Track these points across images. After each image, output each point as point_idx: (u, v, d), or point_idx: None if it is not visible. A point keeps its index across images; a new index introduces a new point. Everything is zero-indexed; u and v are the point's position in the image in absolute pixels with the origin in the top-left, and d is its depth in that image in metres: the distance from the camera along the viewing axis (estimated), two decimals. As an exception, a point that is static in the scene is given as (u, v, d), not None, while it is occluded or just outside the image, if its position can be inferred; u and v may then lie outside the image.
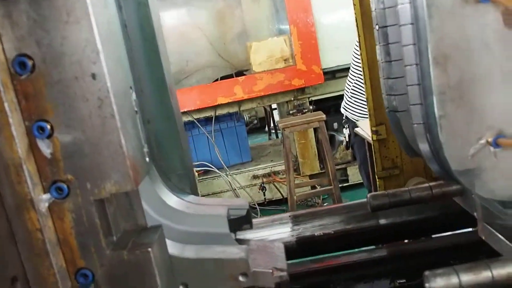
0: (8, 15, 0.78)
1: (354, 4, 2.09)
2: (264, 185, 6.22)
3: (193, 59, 5.62)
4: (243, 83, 5.55)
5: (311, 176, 6.21)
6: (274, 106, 8.28)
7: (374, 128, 2.24)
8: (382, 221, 1.77)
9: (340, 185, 5.82)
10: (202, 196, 6.06)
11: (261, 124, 11.06)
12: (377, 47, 1.19)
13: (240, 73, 5.76)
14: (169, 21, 5.66)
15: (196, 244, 1.08)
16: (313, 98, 5.93)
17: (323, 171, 5.97)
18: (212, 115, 5.96)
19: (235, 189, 6.04)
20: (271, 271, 1.12)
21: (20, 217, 0.81)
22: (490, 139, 0.93)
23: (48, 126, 0.81)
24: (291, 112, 5.83)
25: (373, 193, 1.46)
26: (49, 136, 0.82)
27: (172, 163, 1.35)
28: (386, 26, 1.12)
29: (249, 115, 11.43)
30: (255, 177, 6.33)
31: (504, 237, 1.05)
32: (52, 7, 0.78)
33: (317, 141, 5.93)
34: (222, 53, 5.64)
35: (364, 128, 3.66)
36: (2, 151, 0.79)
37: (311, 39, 5.36)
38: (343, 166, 6.32)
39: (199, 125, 6.06)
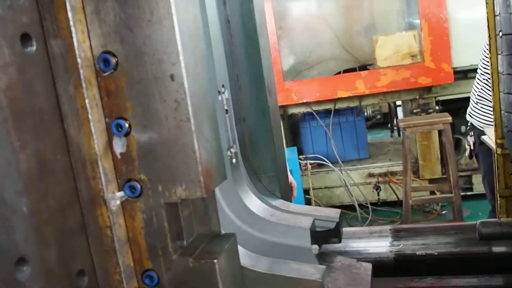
0: (97, 11, 0.78)
1: (486, 3, 1.86)
2: (379, 184, 5.98)
3: (316, 50, 5.53)
4: (366, 77, 5.34)
5: (431, 181, 5.84)
6: (398, 102, 7.89)
7: (499, 141, 2.00)
8: (496, 249, 1.56)
9: (462, 194, 5.40)
10: (314, 189, 6.01)
11: (384, 120, 10.65)
12: (499, 56, 1.02)
13: (363, 67, 5.55)
14: (295, 12, 5.62)
15: (273, 255, 1.03)
16: (441, 98, 5.53)
17: (445, 176, 5.58)
18: (332, 108, 5.84)
19: (347, 186, 5.88)
20: (351, 295, 1.04)
21: (92, 212, 0.82)
22: None
23: (127, 125, 0.81)
24: (414, 111, 5.51)
25: (484, 220, 1.29)
26: (127, 134, 0.81)
27: (263, 163, 1.31)
28: (510, 34, 0.95)
29: (372, 109, 11.07)
30: (370, 175, 6.12)
31: None
32: (137, 6, 0.76)
33: (441, 144, 5.54)
34: (346, 45, 5.48)
35: (492, 137, 3.31)
36: (81, 146, 0.80)
37: (443, 35, 4.97)
38: (468, 173, 5.85)
39: (318, 117, 5.98)
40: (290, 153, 5.36)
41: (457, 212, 5.01)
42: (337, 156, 5.91)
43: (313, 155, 5.99)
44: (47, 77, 0.78)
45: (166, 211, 0.83)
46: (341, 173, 5.94)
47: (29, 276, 0.71)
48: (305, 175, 5.78)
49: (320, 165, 6.10)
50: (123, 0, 0.77)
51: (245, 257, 0.97)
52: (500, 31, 1.00)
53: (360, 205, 5.89)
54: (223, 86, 1.07)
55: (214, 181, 0.84)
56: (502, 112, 1.05)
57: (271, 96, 1.28)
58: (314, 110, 5.84)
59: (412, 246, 1.67)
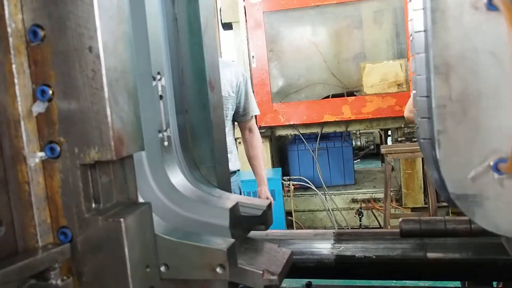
0: (29, -12, 0.88)
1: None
2: (362, 210, 6.03)
3: (305, 74, 5.67)
4: (352, 103, 5.46)
5: (413, 209, 5.89)
6: (389, 132, 8.00)
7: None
8: (431, 255, 1.63)
9: (443, 225, 5.43)
10: (297, 212, 6.06)
11: (377, 151, 10.74)
12: (411, 58, 1.12)
13: (350, 94, 5.68)
14: (287, 35, 5.78)
15: (190, 230, 1.10)
16: (426, 129, 5.61)
17: (427, 205, 5.63)
18: (318, 131, 5.94)
19: (329, 210, 5.94)
20: (261, 272, 1.11)
21: (13, 169, 0.90)
22: (492, 163, 0.83)
23: (50, 91, 0.90)
24: (399, 139, 5.60)
25: (406, 218, 1.36)
26: (50, 100, 0.90)
27: (202, 154, 1.39)
28: (412, 35, 1.05)
29: (366, 139, 11.17)
30: (354, 201, 6.18)
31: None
32: (63, -16, 0.86)
33: (425, 173, 5.62)
34: (335, 71, 5.62)
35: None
36: (6, 107, 0.89)
37: (429, 65, 5.10)
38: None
39: (305, 141, 6.08)
40: (274, 174, 5.43)
41: (436, 241, 5.03)
42: (322, 181, 5.98)
43: (297, 177, 6.06)
44: (-20, 43, 0.88)
45: (82, 173, 0.92)
46: (325, 197, 6.00)
47: None
48: (287, 196, 5.84)
49: (305, 188, 6.17)
50: (52, -21, 0.87)
51: (160, 226, 1.05)
52: (411, 35, 1.09)
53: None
54: (158, 73, 1.16)
55: (126, 148, 0.93)
56: (416, 118, 1.12)
57: (214, 91, 1.37)
58: (301, 133, 5.94)
59: (353, 248, 1.74)
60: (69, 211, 0.93)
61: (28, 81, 0.90)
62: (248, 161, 3.47)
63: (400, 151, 4.84)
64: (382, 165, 9.23)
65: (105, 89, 0.87)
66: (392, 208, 5.41)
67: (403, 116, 5.48)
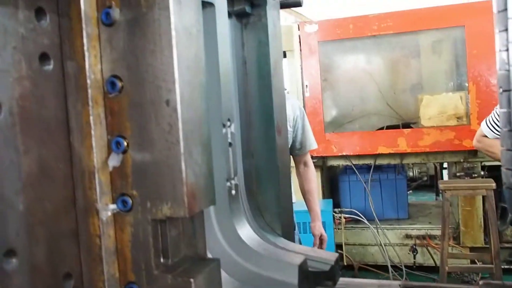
0: (109, 39, 0.88)
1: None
2: (416, 247, 5.79)
3: (359, 104, 5.57)
4: (408, 135, 5.31)
5: (472, 249, 5.61)
6: (445, 165, 7.72)
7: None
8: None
9: (506, 266, 5.16)
10: (347, 245, 5.89)
11: (430, 182, 10.39)
12: (500, 111, 1.04)
13: (406, 125, 5.52)
14: (341, 65, 5.72)
15: (255, 286, 1.05)
16: (487, 164, 5.37)
17: (487, 246, 5.34)
18: (372, 163, 5.80)
19: (381, 245, 5.74)
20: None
21: (85, 221, 0.88)
22: None
23: (125, 143, 0.88)
24: (458, 174, 5.37)
25: (487, 280, 1.26)
26: (124, 152, 0.88)
27: (267, 200, 1.35)
28: (510, 91, 0.97)
29: (419, 170, 10.84)
30: (407, 236, 5.95)
31: None
32: (143, 36, 0.85)
33: (485, 211, 5.35)
34: (390, 102, 5.49)
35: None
36: (82, 158, 0.88)
37: (491, 99, 4.91)
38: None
39: (357, 172, 5.94)
40: (325, 205, 5.32)
41: (496, 284, 4.76)
42: (374, 213, 5.80)
43: (349, 210, 5.91)
44: (59, 93, 0.88)
45: (152, 227, 0.89)
46: (377, 231, 5.81)
47: (16, 268, 0.78)
48: (338, 229, 5.70)
49: (356, 221, 6.00)
50: (132, 31, 0.86)
51: (228, 284, 1.01)
52: (500, 87, 1.02)
53: (394, 266, 5.71)
54: (228, 120, 1.13)
55: (198, 203, 0.90)
56: (502, 168, 1.06)
57: (281, 135, 1.34)
58: (353, 164, 5.81)
59: (419, 303, 1.63)
60: (138, 266, 0.91)
61: (104, 132, 0.89)
62: (302, 195, 3.41)
63: (460, 187, 4.62)
64: (436, 199, 8.91)
65: (181, 143, 0.85)
66: (449, 246, 5.17)
67: (463, 150, 5.30)
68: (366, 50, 5.57)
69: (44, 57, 0.86)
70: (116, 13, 0.86)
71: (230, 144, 1.16)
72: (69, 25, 0.87)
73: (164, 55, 0.84)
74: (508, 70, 0.97)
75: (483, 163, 5.45)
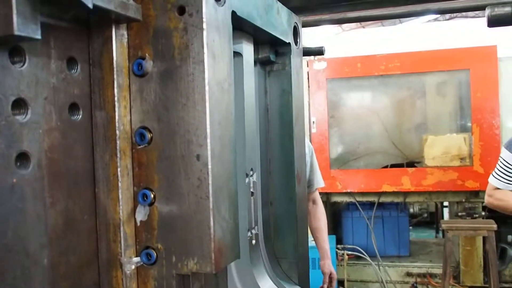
0: (140, 90, 0.87)
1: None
2: (417, 285, 5.70)
3: (365, 142, 5.58)
4: (412, 174, 5.29)
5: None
6: (446, 203, 7.68)
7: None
8: None
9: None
10: (349, 281, 5.81)
11: (430, 219, 10.32)
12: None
13: (411, 164, 5.52)
14: (348, 102, 5.76)
15: None
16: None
17: (487, 286, 5.27)
18: (375, 200, 5.77)
19: (383, 282, 5.65)
20: None
21: (108, 274, 0.86)
22: None
23: (152, 195, 0.87)
24: (459, 214, 5.34)
25: None
26: (151, 204, 0.87)
27: (285, 248, 1.33)
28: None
29: (419, 207, 10.78)
30: (408, 274, 5.87)
31: None
32: (175, 90, 0.85)
33: (485, 251, 5.29)
34: (395, 141, 5.50)
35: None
36: (107, 210, 0.86)
37: (494, 141, 4.93)
38: (511, 285, 5.50)
39: (360, 209, 5.90)
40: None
41: (499, 327, 4.69)
42: (376, 250, 5.74)
43: (351, 246, 5.84)
44: (87, 143, 0.87)
45: (177, 282, 0.87)
46: (379, 268, 5.73)
47: (37, 326, 0.75)
48: (341, 265, 5.62)
49: (358, 258, 5.93)
50: (164, 83, 0.85)
51: None
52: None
53: (395, 304, 5.61)
54: (251, 169, 1.12)
55: (225, 259, 0.88)
56: None
57: (300, 184, 1.32)
58: (357, 201, 5.77)
59: None
60: (161, 323, 0.88)
61: (130, 184, 0.88)
62: (311, 232, 3.36)
63: (462, 228, 4.60)
64: (436, 236, 8.83)
65: (210, 198, 0.83)
66: (450, 285, 5.10)
67: (465, 191, 5.28)
68: (373, 89, 5.61)
69: (73, 107, 0.85)
70: (149, 64, 0.86)
71: (252, 193, 1.14)
72: (100, 75, 0.87)
73: (197, 109, 0.83)
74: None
75: (484, 204, 5.42)
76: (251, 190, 1.14)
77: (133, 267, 0.87)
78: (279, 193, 1.32)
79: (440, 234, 8.45)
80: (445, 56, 5.23)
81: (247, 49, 1.10)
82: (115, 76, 0.86)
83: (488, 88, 5.02)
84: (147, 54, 0.86)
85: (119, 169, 0.86)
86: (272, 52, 1.25)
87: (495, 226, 4.44)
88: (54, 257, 0.79)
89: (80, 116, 0.86)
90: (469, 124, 5.15)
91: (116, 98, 0.86)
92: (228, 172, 0.89)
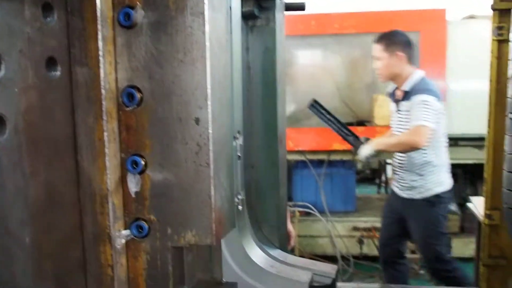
0: (128, 44, 0.77)
1: (490, 81, 1.91)
2: (363, 239, 5.93)
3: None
4: (362, 133, 5.37)
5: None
6: (388, 160, 7.93)
7: (488, 212, 2.01)
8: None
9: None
10: (299, 237, 5.94)
11: (372, 175, 10.67)
12: (506, 136, 1.03)
13: (361, 123, 5.59)
14: (302, 60, 5.70)
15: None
16: (430, 162, 5.56)
17: (428, 239, 5.55)
18: (325, 159, 5.85)
19: (332, 236, 5.82)
20: None
21: (95, 249, 0.78)
22: None
23: (143, 162, 0.78)
24: (406, 171, 5.51)
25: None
26: (141, 172, 0.78)
27: (267, 213, 1.28)
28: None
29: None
30: (355, 228, 6.06)
31: None
32: (170, 44, 0.75)
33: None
34: (347, 100, 5.53)
35: (478, 206, 3.32)
36: (92, 180, 0.77)
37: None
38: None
39: (311, 166, 5.97)
40: (279, 199, 5.31)
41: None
42: (325, 207, 5.87)
43: (302, 203, 5.94)
44: (66, 104, 0.76)
45: (172, 255, 0.80)
46: (327, 223, 5.89)
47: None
48: (292, 222, 5.72)
49: (308, 214, 6.05)
50: (157, 36, 0.75)
51: (243, 312, 0.93)
52: (510, 113, 1.01)
53: (342, 257, 5.82)
54: (238, 132, 1.05)
55: (224, 230, 0.81)
56: (504, 189, 1.06)
57: (282, 146, 1.27)
58: (308, 159, 5.83)
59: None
60: (154, 298, 0.81)
61: (117, 151, 0.79)
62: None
63: (411, 185, 4.76)
64: (378, 192, 9.15)
65: (211, 166, 0.76)
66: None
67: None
68: (327, 48, 5.56)
69: (51, 62, 0.74)
70: (139, 14, 0.75)
71: (239, 157, 1.08)
72: (80, 25, 0.76)
73: (196, 67, 0.75)
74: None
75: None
76: (238, 153, 1.07)
77: (123, 241, 0.79)
78: (261, 155, 1.26)
79: (383, 190, 8.75)
80: (397, 17, 5.24)
81: (236, 1, 1.01)
82: (99, 26, 0.75)
83: (436, 51, 5.11)
84: (138, 3, 0.75)
85: (105, 134, 0.76)
86: (256, 6, 1.17)
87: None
88: (36, 234, 0.70)
89: (59, 73, 0.75)
90: (418, 85, 5.25)
91: (100, 53, 0.75)
92: (226, 136, 0.82)
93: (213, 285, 0.89)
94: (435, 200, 3.51)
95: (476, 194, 5.49)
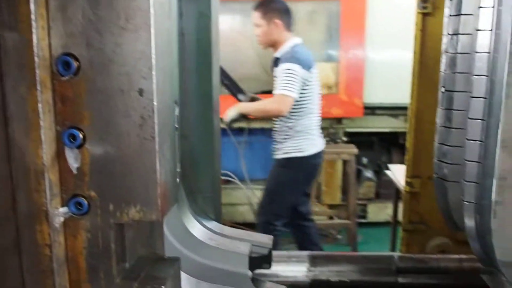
0: (62, 8, 0.71)
1: (414, 52, 2.00)
2: (283, 206, 6.10)
3: (238, 68, 5.55)
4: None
5: (330, 206, 6.07)
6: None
7: (409, 180, 2.14)
8: (401, 280, 1.66)
9: (359, 221, 5.68)
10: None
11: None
12: (438, 109, 1.10)
13: (281, 91, 5.67)
14: (224, 27, 5.63)
15: (211, 280, 0.99)
16: (348, 130, 5.80)
17: (343, 203, 5.84)
18: (245, 127, 5.89)
19: (252, 204, 5.95)
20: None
21: (30, 228, 0.73)
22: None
23: (81, 135, 0.74)
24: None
25: (401, 254, 1.37)
26: (80, 146, 0.74)
27: (202, 184, 1.27)
28: (453, 91, 1.03)
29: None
30: (275, 196, 6.22)
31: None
32: (111, 9, 0.70)
33: (345, 173, 5.80)
34: (267, 67, 5.57)
35: (397, 173, 3.54)
36: (26, 154, 0.72)
37: (359, 72, 5.26)
38: (364, 202, 6.17)
39: (231, 134, 6.00)
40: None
41: (352, 238, 5.27)
42: (246, 175, 5.95)
43: (223, 171, 5.98)
44: (-5, 73, 0.70)
45: (115, 232, 0.77)
46: (248, 191, 5.99)
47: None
48: (213, 190, 5.75)
49: (227, 182, 6.11)
50: (96, 0, 0.70)
51: (185, 282, 0.93)
52: (443, 87, 1.07)
53: (262, 224, 5.97)
54: (175, 102, 1.02)
55: (168, 204, 0.80)
56: (434, 159, 1.13)
57: (216, 115, 1.25)
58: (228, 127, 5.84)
59: (327, 272, 1.71)
60: (95, 275, 0.79)
61: (53, 123, 0.74)
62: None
63: (328, 152, 4.94)
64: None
65: (156, 139, 0.74)
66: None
67: (330, 118, 5.63)
68: (246, 13, 5.53)
69: (-25, 26, 0.67)
70: (74, -24, 0.70)
71: (176, 128, 1.05)
72: (7, -16, 0.69)
73: (140, 35, 0.71)
74: (454, 72, 1.02)
75: (345, 130, 5.87)
76: (176, 125, 1.04)
77: (61, 219, 0.75)
78: (195, 126, 1.23)
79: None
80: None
81: (172, -36, 0.96)
82: (30, -13, 0.69)
83: (356, 20, 5.26)
84: (72, -38, 0.69)
85: (40, 105, 0.71)
86: (191, -33, 1.12)
87: (356, 150, 4.84)
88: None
89: (-16, 38, 0.68)
90: (337, 54, 5.40)
91: (32, 17, 0.69)
92: (169, 108, 0.80)
93: (155, 260, 0.87)
94: (286, 163, 3.75)
95: (391, 161, 5.84)
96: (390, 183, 4.00)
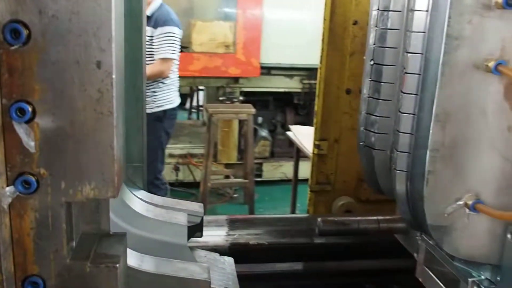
0: (8, -31, 0.65)
1: (324, 19, 2.08)
2: (179, 165, 6.08)
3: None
4: (180, 60, 5.36)
5: (226, 165, 6.17)
6: (201, 86, 8.11)
7: (317, 142, 2.25)
8: (317, 240, 1.77)
9: (255, 179, 5.86)
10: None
11: (182, 101, 10.81)
12: (366, 80, 1.17)
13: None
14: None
15: (151, 252, 0.99)
16: (244, 89, 5.88)
17: (240, 162, 5.97)
18: (140, 84, 5.71)
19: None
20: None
21: (-25, 210, 0.68)
22: (469, 202, 0.95)
23: (30, 109, 0.69)
24: (220, 98, 5.74)
25: (324, 218, 1.46)
26: (29, 121, 0.69)
27: (131, 153, 1.24)
28: (383, 65, 1.10)
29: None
30: (171, 155, 6.16)
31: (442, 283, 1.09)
32: (66, -26, 0.65)
33: (241, 132, 5.91)
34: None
35: (298, 134, 3.69)
36: (-31, 130, 0.65)
37: (256, 31, 5.31)
38: (260, 161, 6.36)
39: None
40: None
41: (249, 196, 5.44)
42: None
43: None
44: None
45: (66, 211, 0.74)
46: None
47: None
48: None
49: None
50: (49, -37, 0.65)
51: (130, 257, 0.92)
52: (372, 60, 1.14)
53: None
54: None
55: (121, 180, 0.78)
56: (360, 128, 1.21)
57: (144, 82, 1.22)
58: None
59: (246, 236, 1.78)
60: (43, 257, 0.75)
61: (-1, 95, 0.68)
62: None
63: (225, 112, 4.99)
64: (189, 118, 9.37)
65: (114, 114, 0.71)
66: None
67: (227, 77, 5.65)
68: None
69: None
70: None
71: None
72: None
73: (99, 4, 0.67)
74: (383, 47, 1.09)
75: (241, 89, 5.94)
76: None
77: (10, 199, 0.70)
78: (126, 94, 1.19)
79: (194, 116, 8.96)
80: None
81: None
82: None
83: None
84: None
85: (-15, 76, 0.65)
86: None
87: (254, 110, 4.93)
88: None
89: None
90: (235, 13, 5.37)
91: (-25, -23, 0.62)
92: (122, 81, 0.77)
93: (101, 237, 0.85)
94: (163, 116, 3.97)
95: (286, 121, 6.05)
96: (285, 142, 4.17)
